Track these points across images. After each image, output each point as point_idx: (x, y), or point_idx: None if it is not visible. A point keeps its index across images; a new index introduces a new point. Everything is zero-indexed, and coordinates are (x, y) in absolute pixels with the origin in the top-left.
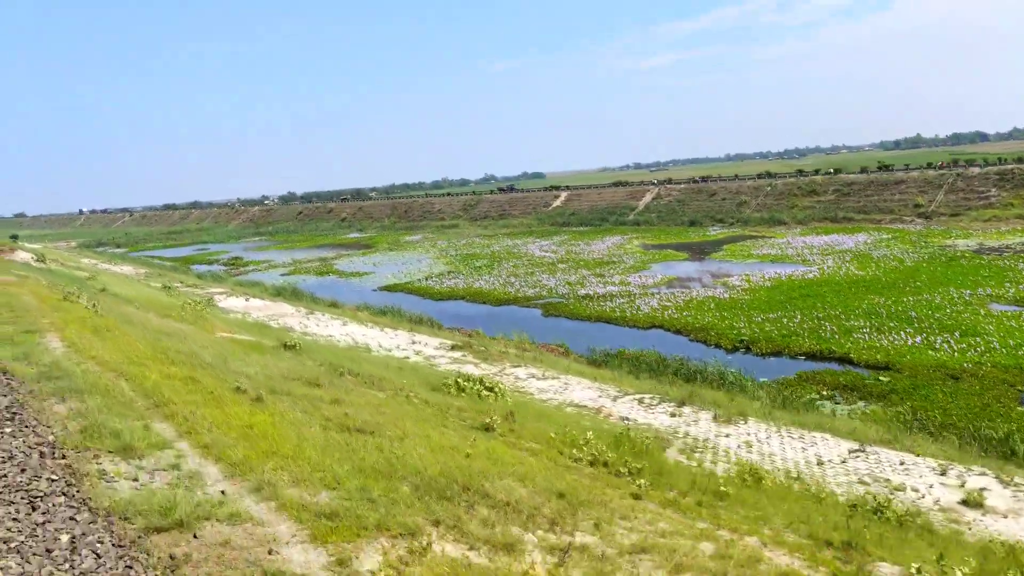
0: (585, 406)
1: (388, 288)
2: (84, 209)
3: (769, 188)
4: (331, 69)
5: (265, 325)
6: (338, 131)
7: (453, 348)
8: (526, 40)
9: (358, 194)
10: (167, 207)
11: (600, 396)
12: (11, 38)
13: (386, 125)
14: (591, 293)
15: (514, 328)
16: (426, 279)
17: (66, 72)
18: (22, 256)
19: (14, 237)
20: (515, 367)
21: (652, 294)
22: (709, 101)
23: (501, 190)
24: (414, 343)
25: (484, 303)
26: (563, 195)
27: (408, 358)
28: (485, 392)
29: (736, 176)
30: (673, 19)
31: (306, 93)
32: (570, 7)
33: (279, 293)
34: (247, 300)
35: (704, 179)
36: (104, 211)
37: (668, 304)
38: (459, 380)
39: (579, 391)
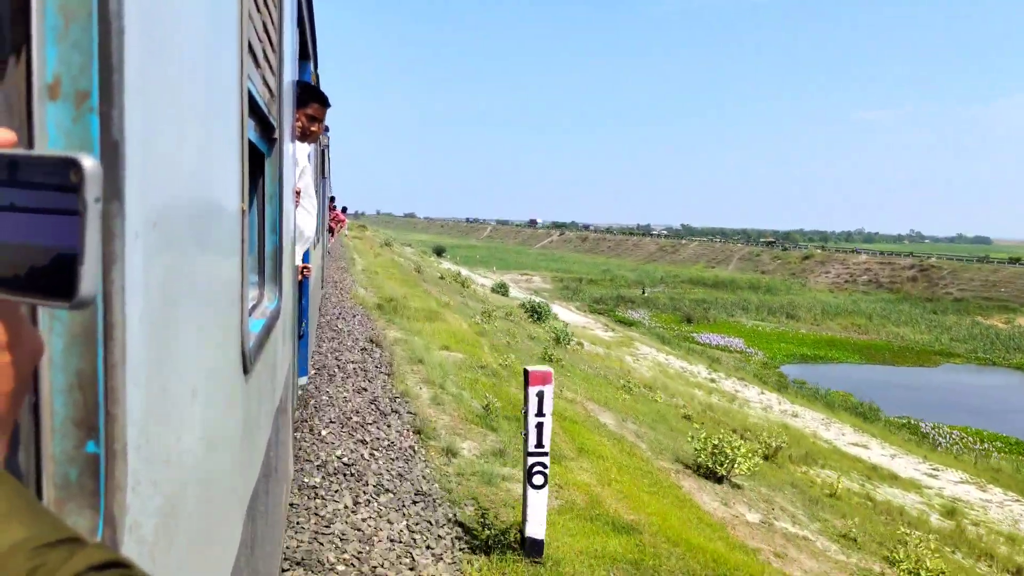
0: None
1: None
2: (483, 218)
3: None
4: (672, 108)
5: None
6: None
7: None
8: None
9: (787, 237)
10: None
11: None
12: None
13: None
14: None
15: None
16: None
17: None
18: None
19: (439, 252)
20: None
21: None
22: None
23: None
24: None
25: None
26: None
27: None
28: None
29: None
30: None
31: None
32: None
33: None
34: None
35: None
36: (503, 222)
37: None
38: None
39: None
